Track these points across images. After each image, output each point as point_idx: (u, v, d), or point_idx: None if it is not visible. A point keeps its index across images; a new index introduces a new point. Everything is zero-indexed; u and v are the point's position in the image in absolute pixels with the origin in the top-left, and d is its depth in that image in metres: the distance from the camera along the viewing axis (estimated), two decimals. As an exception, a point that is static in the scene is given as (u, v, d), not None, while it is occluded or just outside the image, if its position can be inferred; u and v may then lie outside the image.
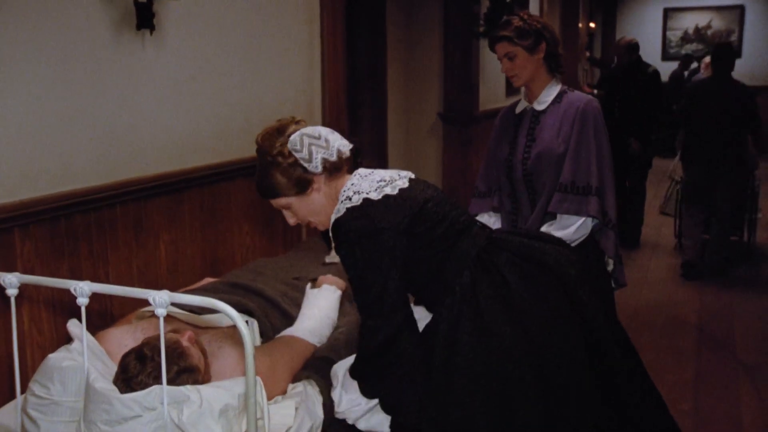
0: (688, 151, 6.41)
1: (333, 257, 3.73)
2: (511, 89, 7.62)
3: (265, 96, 3.88)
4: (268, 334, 2.63)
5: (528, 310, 2.20)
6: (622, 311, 4.40)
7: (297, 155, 2.23)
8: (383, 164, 6.25)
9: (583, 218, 2.91)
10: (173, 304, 2.02)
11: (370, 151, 6.08)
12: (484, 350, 2.16)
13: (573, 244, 2.87)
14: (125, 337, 2.41)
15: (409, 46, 6.66)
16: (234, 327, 2.33)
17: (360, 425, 2.27)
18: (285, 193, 2.27)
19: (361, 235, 2.15)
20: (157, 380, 2.03)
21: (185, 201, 3.36)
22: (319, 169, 2.24)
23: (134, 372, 2.10)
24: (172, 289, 2.42)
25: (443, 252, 2.25)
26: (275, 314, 2.73)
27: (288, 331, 2.63)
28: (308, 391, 2.37)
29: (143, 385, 2.04)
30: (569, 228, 2.91)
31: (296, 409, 2.27)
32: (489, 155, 3.24)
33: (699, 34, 14.56)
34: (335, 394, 2.30)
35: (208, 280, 3.05)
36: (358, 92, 5.83)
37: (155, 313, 1.94)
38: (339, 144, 2.29)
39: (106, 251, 2.97)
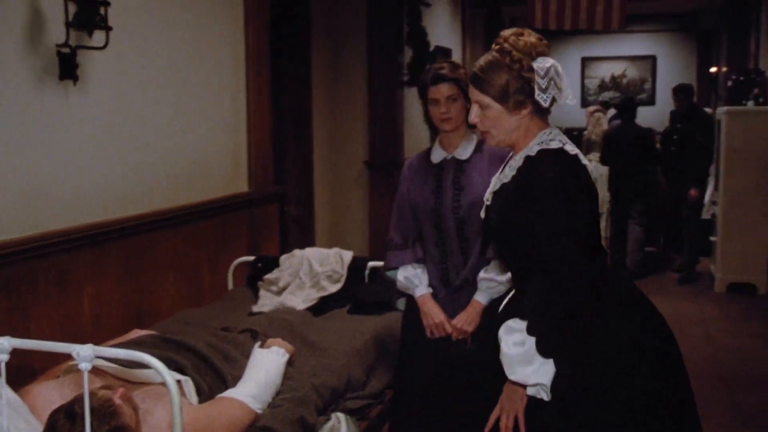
0: (612, 183, 8.11)
1: (260, 306, 3.72)
2: (434, 137, 7.75)
3: (190, 146, 3.88)
4: (204, 391, 2.58)
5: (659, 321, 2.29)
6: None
7: (537, 78, 2.20)
8: (310, 212, 6.26)
9: None
10: (102, 358, 1.98)
11: (296, 200, 6.09)
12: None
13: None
14: (52, 393, 2.34)
15: (334, 95, 6.73)
16: (169, 383, 2.29)
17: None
18: (493, 94, 2.24)
19: (574, 182, 2.16)
20: None
21: (109, 252, 3.31)
22: (545, 104, 2.22)
23: (63, 430, 2.04)
24: (97, 342, 2.38)
25: None
26: (208, 372, 2.68)
27: (230, 393, 2.56)
28: None
29: None
30: (509, 273, 2.96)
31: None
32: (401, 206, 3.15)
33: (615, 82, 15.08)
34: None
35: (137, 332, 3.00)
36: (283, 141, 5.86)
37: (79, 367, 1.91)
38: (569, 98, 2.28)
39: (27, 305, 2.90)
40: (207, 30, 4.04)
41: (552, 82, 2.22)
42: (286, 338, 3.00)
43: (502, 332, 2.23)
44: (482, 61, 2.29)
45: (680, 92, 7.84)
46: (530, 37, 2.27)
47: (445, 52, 8.62)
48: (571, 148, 2.25)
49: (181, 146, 3.80)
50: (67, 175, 3.09)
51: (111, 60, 3.28)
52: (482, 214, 2.43)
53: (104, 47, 3.13)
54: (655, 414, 2.19)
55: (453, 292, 3.06)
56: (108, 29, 3.13)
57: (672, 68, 14.50)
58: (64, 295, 3.07)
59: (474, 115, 2.32)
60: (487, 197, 2.42)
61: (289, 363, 2.85)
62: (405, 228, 3.14)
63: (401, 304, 3.30)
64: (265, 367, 2.70)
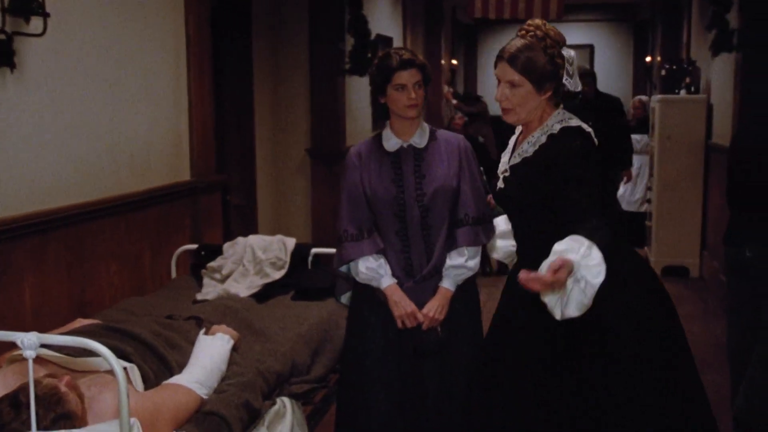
0: None
1: (204, 294, 3.72)
2: (377, 124, 7.80)
3: (132, 134, 3.85)
4: (149, 378, 2.59)
5: None
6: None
7: (567, 65, 2.51)
8: (252, 201, 6.26)
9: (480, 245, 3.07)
10: (46, 347, 1.98)
11: (238, 188, 6.08)
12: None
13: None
14: None
15: (276, 84, 6.73)
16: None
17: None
18: (527, 75, 2.49)
19: (594, 153, 2.50)
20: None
21: (50, 242, 3.28)
22: (571, 88, 2.51)
23: (8, 419, 2.03)
24: (40, 332, 2.37)
25: None
26: (153, 359, 2.68)
27: (176, 379, 2.57)
28: None
29: None
30: (477, 257, 3.05)
31: None
32: (355, 195, 3.05)
33: (554, 70, 15.31)
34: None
35: (80, 321, 2.98)
36: (225, 130, 5.84)
37: (24, 355, 1.90)
38: (578, 87, 2.58)
39: (-34, 295, 2.87)
40: (147, 18, 4.00)
41: (574, 71, 2.54)
42: (230, 325, 3.01)
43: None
44: (518, 43, 2.55)
45: (589, 76, 7.61)
46: (555, 29, 2.57)
47: (386, 41, 8.66)
48: (586, 127, 2.54)
49: (122, 134, 3.77)
50: (6, 164, 3.04)
51: (49, 47, 3.24)
52: (500, 185, 2.70)
53: (42, 34, 3.09)
54: (673, 351, 2.57)
55: (421, 281, 3.02)
56: (46, 16, 3.09)
57: (609, 57, 14.80)
58: (4, 286, 3.04)
59: (500, 93, 2.57)
60: (505, 170, 2.69)
61: (234, 349, 2.87)
62: (360, 218, 3.03)
63: (345, 298, 3.25)
64: (210, 354, 2.72)
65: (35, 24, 3.06)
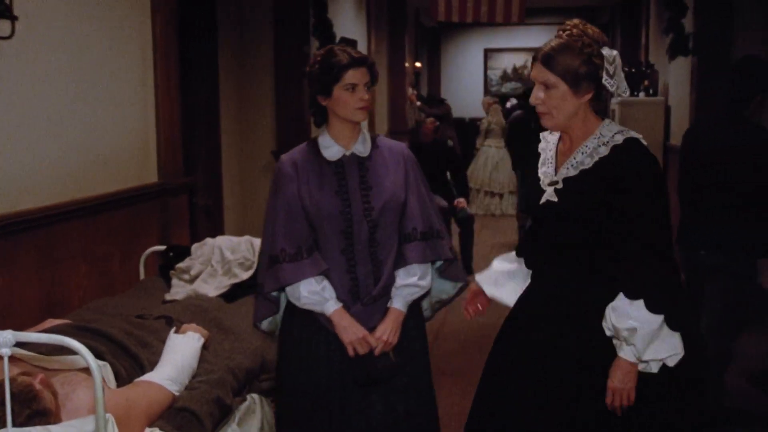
0: (518, 164, 8.55)
1: (173, 295, 3.75)
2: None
3: (100, 136, 3.87)
4: (122, 376, 2.63)
5: None
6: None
7: (606, 64, 2.31)
8: (218, 202, 6.29)
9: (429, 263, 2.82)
10: (21, 345, 2.00)
11: (204, 190, 6.10)
12: None
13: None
14: None
15: (242, 87, 6.75)
16: (86, 369, 2.32)
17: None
18: (562, 75, 2.31)
19: (663, 177, 2.33)
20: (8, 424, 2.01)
21: (19, 243, 3.29)
22: (612, 89, 2.32)
23: None
24: (11, 333, 2.40)
25: None
26: (125, 357, 2.72)
27: (148, 377, 2.61)
28: None
29: None
30: (428, 275, 2.81)
31: None
32: (292, 210, 2.71)
33: (516, 73, 15.51)
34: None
35: (51, 321, 3.00)
36: (191, 132, 5.85)
37: (-1, 353, 1.94)
38: (625, 91, 2.39)
39: (-65, 297, 2.87)
40: (114, 20, 4.02)
41: (616, 71, 2.34)
42: (200, 323, 3.05)
43: (614, 318, 2.27)
44: (553, 43, 2.36)
45: None
46: (595, 28, 2.41)
47: (350, 43, 8.72)
48: (644, 140, 2.39)
49: (90, 137, 3.79)
50: (-25, 166, 3.06)
51: (17, 49, 3.25)
52: (551, 198, 2.41)
53: (10, 37, 3.11)
54: None
55: (370, 302, 2.73)
56: (13, 18, 3.12)
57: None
58: (-26, 287, 3.05)
59: (534, 96, 2.39)
60: (555, 181, 2.42)
61: (205, 347, 2.91)
62: (298, 236, 2.69)
63: (267, 324, 2.90)
64: (181, 351, 2.76)
65: (3, 26, 3.08)
